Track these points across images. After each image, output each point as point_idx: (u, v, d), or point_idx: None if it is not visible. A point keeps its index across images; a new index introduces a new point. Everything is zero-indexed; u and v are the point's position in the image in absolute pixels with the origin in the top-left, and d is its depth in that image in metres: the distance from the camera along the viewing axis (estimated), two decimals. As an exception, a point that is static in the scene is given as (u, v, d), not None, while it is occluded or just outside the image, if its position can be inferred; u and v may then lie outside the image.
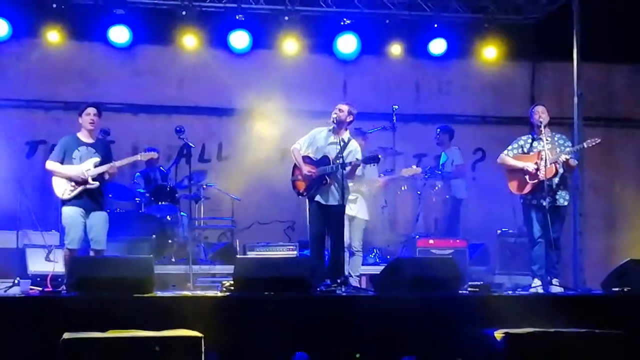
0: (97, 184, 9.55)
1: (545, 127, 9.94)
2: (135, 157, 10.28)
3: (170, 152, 12.85)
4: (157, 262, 10.17)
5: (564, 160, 9.81)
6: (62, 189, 9.54)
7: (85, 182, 9.50)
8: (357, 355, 7.87)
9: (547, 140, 9.85)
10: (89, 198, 9.57)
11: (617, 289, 8.88)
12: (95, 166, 9.58)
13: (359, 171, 10.16)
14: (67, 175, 9.52)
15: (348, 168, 9.69)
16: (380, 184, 11.41)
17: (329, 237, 9.81)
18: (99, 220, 9.58)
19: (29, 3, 12.56)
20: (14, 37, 12.61)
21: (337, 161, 9.63)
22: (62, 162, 9.60)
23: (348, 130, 10.07)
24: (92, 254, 9.51)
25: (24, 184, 11.46)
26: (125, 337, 6.93)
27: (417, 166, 12.41)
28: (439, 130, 12.95)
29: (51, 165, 9.65)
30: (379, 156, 9.90)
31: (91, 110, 9.66)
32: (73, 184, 9.51)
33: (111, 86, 13.21)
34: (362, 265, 11.06)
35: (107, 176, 9.68)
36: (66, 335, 6.80)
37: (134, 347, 6.83)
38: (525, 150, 10.11)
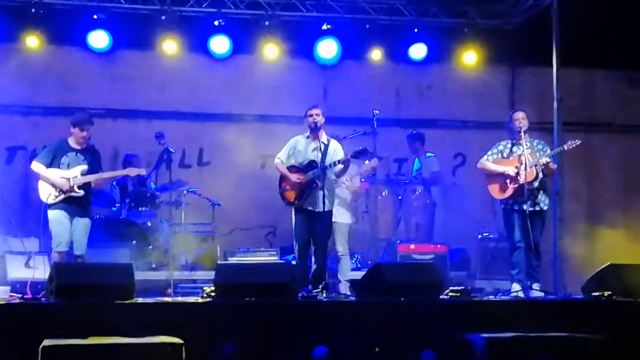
0: (82, 192, 9.61)
1: (525, 132, 10.00)
2: (125, 172, 10.38)
3: (150, 158, 12.78)
4: (138, 269, 10.12)
5: (544, 163, 9.87)
6: (47, 193, 9.61)
7: (70, 190, 9.52)
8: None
9: (526, 145, 9.90)
10: (74, 203, 9.65)
11: (597, 294, 8.90)
12: (82, 174, 9.59)
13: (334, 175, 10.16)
14: (51, 181, 9.56)
15: (340, 166, 9.74)
16: (356, 189, 11.31)
17: (314, 244, 9.83)
18: (81, 225, 9.70)
19: (7, 8, 12.45)
20: (-8, 42, 12.55)
21: (324, 163, 9.65)
22: (49, 166, 9.62)
23: (324, 132, 10.07)
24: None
25: (2, 190, 11.39)
26: (105, 344, 6.91)
27: (398, 170, 12.50)
28: (408, 138, 12.95)
29: (36, 166, 9.71)
30: (367, 149, 9.89)
31: (89, 127, 9.71)
32: (58, 189, 9.53)
33: (91, 91, 13.16)
34: (344, 270, 11.05)
35: (93, 184, 9.71)
36: (46, 343, 6.77)
37: (115, 354, 6.81)
38: (505, 155, 10.17)
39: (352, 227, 11.14)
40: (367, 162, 10.99)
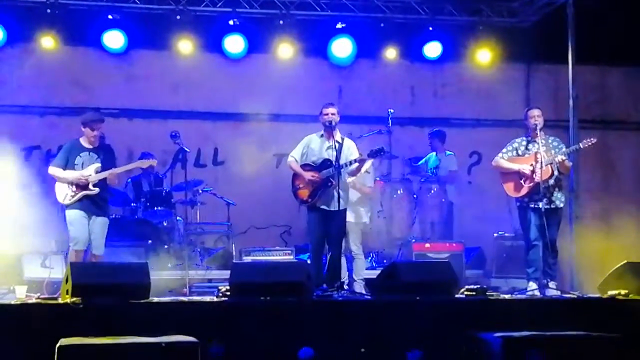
0: (97, 190, 9.67)
1: (540, 130, 9.96)
2: (136, 164, 10.41)
3: (165, 157, 12.85)
4: (153, 268, 10.14)
5: (560, 161, 9.84)
6: (64, 194, 9.71)
7: (86, 186, 9.57)
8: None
9: (542, 142, 9.86)
10: (91, 202, 9.73)
11: (613, 292, 8.86)
12: (97, 172, 9.66)
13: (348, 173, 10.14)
14: (69, 180, 9.66)
15: (355, 165, 9.72)
16: (368, 190, 11.23)
17: (328, 243, 9.82)
18: (99, 224, 9.77)
19: (23, 9, 12.53)
20: (8, 42, 12.58)
21: (339, 162, 9.64)
22: (64, 167, 9.69)
23: (338, 130, 10.05)
24: (91, 258, 9.62)
25: (19, 190, 11.43)
26: (121, 344, 6.92)
27: (411, 169, 12.52)
28: (429, 136, 12.97)
29: (53, 170, 9.82)
30: (384, 148, 9.87)
31: (99, 127, 9.77)
32: (74, 188, 9.67)
33: (106, 91, 13.21)
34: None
35: (108, 181, 9.77)
36: (62, 342, 6.79)
37: (131, 353, 6.82)
38: (520, 152, 10.12)
39: (367, 227, 11.11)
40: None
